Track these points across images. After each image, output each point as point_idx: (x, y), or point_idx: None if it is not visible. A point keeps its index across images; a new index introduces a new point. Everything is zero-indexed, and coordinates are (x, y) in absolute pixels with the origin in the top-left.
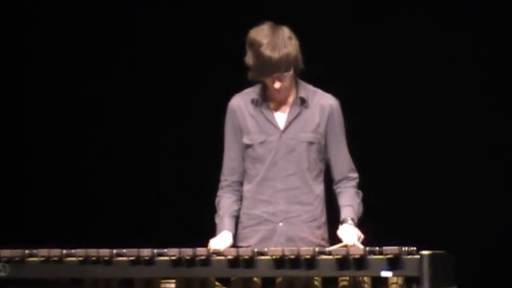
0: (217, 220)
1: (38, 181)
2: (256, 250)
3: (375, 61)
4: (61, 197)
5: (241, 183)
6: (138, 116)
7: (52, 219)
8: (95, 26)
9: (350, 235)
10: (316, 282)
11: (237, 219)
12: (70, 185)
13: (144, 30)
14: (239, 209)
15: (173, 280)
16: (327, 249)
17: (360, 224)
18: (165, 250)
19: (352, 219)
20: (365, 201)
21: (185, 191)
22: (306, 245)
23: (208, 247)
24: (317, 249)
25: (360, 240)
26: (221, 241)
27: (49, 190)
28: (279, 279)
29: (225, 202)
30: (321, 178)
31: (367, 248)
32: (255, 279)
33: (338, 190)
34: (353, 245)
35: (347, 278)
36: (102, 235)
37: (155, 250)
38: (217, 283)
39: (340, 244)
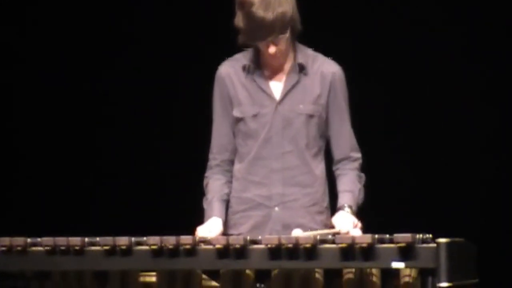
0: (205, 205)
1: (31, 175)
2: (248, 238)
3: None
4: (51, 190)
5: (232, 162)
6: (135, 110)
7: (44, 212)
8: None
9: (344, 222)
10: (317, 275)
11: (227, 204)
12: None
13: (142, 24)
14: (230, 192)
15: (154, 273)
16: (307, 233)
17: (362, 212)
18: (145, 238)
19: (350, 207)
20: (371, 184)
21: (174, 177)
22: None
23: (194, 235)
24: (318, 237)
25: (358, 227)
26: (209, 229)
27: (40, 184)
28: (275, 272)
29: (214, 184)
30: (321, 156)
31: (376, 236)
32: (247, 271)
33: (337, 172)
34: (347, 233)
35: (353, 270)
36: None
37: (133, 239)
38: (204, 276)
39: (330, 230)
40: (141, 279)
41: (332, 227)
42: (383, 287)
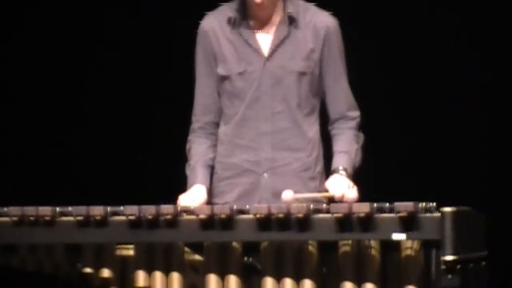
0: (187, 171)
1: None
2: (235, 207)
3: None
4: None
5: (217, 125)
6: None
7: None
8: None
9: (338, 185)
10: (310, 248)
11: (212, 170)
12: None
13: None
14: (215, 157)
15: (131, 246)
16: (298, 195)
17: (360, 177)
18: (121, 208)
19: (345, 169)
20: (368, 147)
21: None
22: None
23: (176, 205)
24: (311, 206)
25: (354, 192)
26: (192, 197)
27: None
28: (264, 244)
29: (198, 149)
30: (315, 117)
31: (375, 205)
32: (234, 244)
33: (333, 132)
34: (341, 196)
35: (350, 242)
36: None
37: (108, 208)
38: (186, 249)
39: (322, 194)
40: (118, 252)
41: (326, 192)
42: (383, 260)
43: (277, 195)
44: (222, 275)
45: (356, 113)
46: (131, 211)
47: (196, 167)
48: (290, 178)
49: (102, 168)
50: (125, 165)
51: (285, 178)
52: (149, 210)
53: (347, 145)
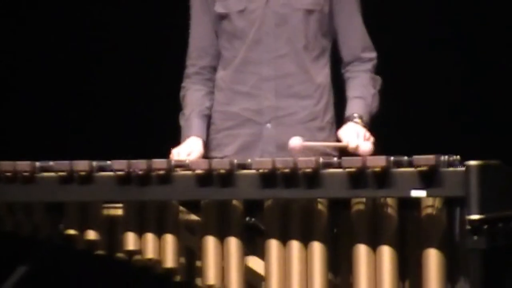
0: (181, 122)
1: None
2: (236, 162)
3: None
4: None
5: (214, 69)
6: None
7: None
8: None
9: (352, 135)
10: (320, 206)
11: (209, 120)
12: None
13: None
14: (212, 106)
15: (120, 205)
16: (307, 143)
17: (375, 125)
18: (108, 162)
19: (360, 117)
20: (386, 92)
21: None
22: (304, 155)
23: (169, 159)
24: (321, 159)
25: (370, 143)
26: (187, 150)
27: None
28: (268, 203)
29: (193, 97)
30: (324, 60)
31: (392, 158)
32: (234, 202)
33: (347, 75)
34: (355, 148)
35: (364, 200)
36: None
37: (94, 163)
38: (181, 208)
39: (334, 144)
40: (105, 212)
41: (339, 141)
42: (401, 220)
43: (281, 147)
44: (221, 237)
45: (372, 54)
46: (119, 165)
47: (191, 117)
48: (296, 128)
49: (87, 120)
50: (113, 116)
51: (290, 129)
52: (139, 165)
53: (362, 90)
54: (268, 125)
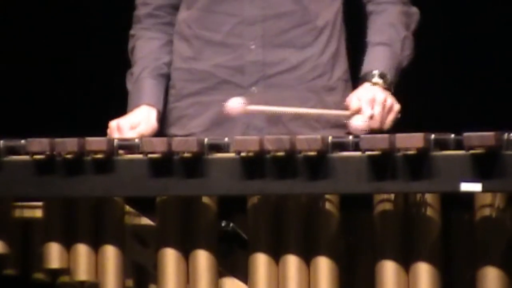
0: (128, 85)
1: None
2: (207, 141)
3: None
4: None
5: (175, 9)
6: None
7: None
8: None
9: (366, 101)
10: (328, 206)
11: (168, 81)
12: None
13: None
14: (172, 62)
15: (39, 203)
16: (301, 110)
17: (405, 85)
18: (22, 141)
19: (383, 75)
20: (425, 33)
21: None
22: (308, 129)
23: (109, 137)
24: (330, 137)
25: (393, 114)
26: (131, 123)
27: None
28: (254, 200)
29: (145, 48)
30: None
31: (432, 136)
32: (205, 199)
33: (369, 9)
34: (371, 117)
35: (391, 197)
36: None
37: (1, 142)
38: (128, 208)
39: (338, 112)
40: (16, 213)
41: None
42: (445, 225)
43: (274, 121)
44: (186, 250)
45: None
46: (38, 146)
47: (142, 78)
48: (295, 91)
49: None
50: (33, 82)
51: (285, 92)
52: (66, 145)
53: (389, 32)
54: (254, 88)
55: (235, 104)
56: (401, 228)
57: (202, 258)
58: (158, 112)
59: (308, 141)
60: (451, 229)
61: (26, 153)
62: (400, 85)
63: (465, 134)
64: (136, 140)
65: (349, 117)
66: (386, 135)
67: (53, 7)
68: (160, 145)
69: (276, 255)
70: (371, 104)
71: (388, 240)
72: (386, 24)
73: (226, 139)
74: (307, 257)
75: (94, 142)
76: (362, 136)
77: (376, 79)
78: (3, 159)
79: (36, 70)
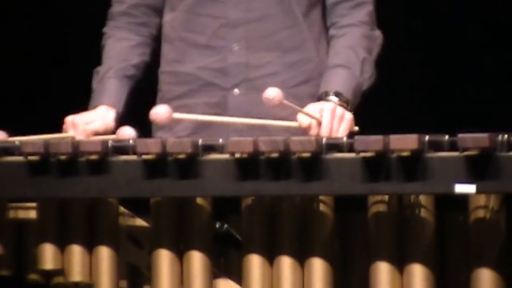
0: (93, 83)
1: None
2: (201, 142)
3: None
4: None
5: (154, 10)
6: None
7: None
8: None
9: (315, 109)
10: (322, 207)
11: (134, 83)
12: None
13: None
14: (144, 63)
15: (33, 204)
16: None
17: (399, 87)
18: (16, 142)
19: (338, 94)
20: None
21: None
22: (289, 134)
23: (63, 130)
24: (324, 139)
25: (345, 124)
26: (86, 119)
27: None
28: (248, 201)
29: (114, 48)
30: None
31: (426, 138)
32: (199, 200)
33: (332, 33)
34: (320, 125)
35: (386, 198)
36: None
37: None
38: (122, 209)
39: (283, 123)
40: (10, 214)
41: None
42: (439, 227)
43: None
44: (180, 251)
45: None
46: (32, 147)
47: (106, 78)
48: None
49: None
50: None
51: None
52: (61, 146)
53: (347, 54)
54: (236, 90)
55: (161, 112)
56: (396, 229)
57: (196, 259)
58: (117, 112)
59: (302, 142)
60: (445, 230)
61: (20, 154)
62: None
63: (459, 135)
64: (131, 141)
65: (297, 128)
66: (380, 137)
67: (53, 7)
68: (154, 146)
69: (271, 256)
70: (319, 113)
71: (383, 242)
72: (345, 47)
73: (221, 140)
74: (301, 258)
75: (88, 144)
76: (356, 137)
77: (330, 97)
78: None
79: (30, 69)
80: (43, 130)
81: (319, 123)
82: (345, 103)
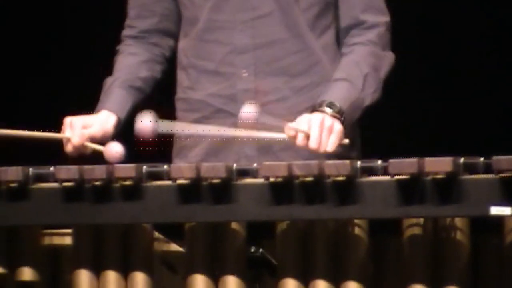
0: (102, 93)
1: None
2: (235, 167)
3: None
4: None
5: (164, 34)
6: None
7: None
8: None
9: (303, 121)
10: (357, 231)
11: (141, 95)
12: None
13: None
14: (153, 79)
15: (68, 230)
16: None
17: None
18: (51, 169)
19: (331, 104)
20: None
21: None
22: (300, 159)
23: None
24: (359, 162)
25: (335, 136)
26: (84, 122)
27: None
28: (283, 226)
29: (124, 62)
30: (329, 18)
31: (461, 160)
32: (233, 225)
33: (342, 51)
34: (308, 138)
35: (420, 221)
36: None
37: (29, 170)
38: (157, 234)
39: (272, 135)
40: (45, 241)
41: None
42: (474, 250)
43: (265, 150)
44: (215, 276)
45: (378, 18)
46: (66, 173)
47: (112, 87)
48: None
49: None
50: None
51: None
52: (95, 172)
53: (350, 69)
54: None
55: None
56: (430, 252)
57: (231, 284)
58: (118, 119)
59: (336, 166)
60: (480, 253)
61: (55, 181)
62: (362, 119)
63: (494, 157)
64: (165, 167)
65: (286, 140)
66: (414, 159)
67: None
68: (188, 171)
69: (305, 281)
70: (308, 123)
71: (417, 265)
72: (349, 62)
73: (255, 164)
74: (336, 283)
75: (123, 169)
76: (390, 160)
77: (323, 108)
78: (31, 187)
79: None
80: (43, 130)
81: (307, 136)
82: (338, 113)
